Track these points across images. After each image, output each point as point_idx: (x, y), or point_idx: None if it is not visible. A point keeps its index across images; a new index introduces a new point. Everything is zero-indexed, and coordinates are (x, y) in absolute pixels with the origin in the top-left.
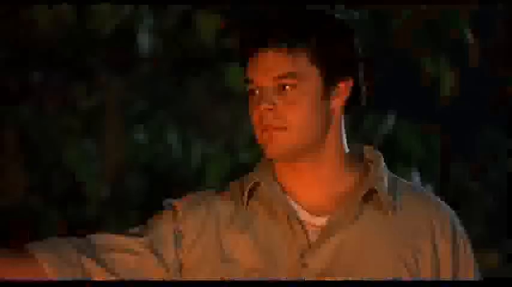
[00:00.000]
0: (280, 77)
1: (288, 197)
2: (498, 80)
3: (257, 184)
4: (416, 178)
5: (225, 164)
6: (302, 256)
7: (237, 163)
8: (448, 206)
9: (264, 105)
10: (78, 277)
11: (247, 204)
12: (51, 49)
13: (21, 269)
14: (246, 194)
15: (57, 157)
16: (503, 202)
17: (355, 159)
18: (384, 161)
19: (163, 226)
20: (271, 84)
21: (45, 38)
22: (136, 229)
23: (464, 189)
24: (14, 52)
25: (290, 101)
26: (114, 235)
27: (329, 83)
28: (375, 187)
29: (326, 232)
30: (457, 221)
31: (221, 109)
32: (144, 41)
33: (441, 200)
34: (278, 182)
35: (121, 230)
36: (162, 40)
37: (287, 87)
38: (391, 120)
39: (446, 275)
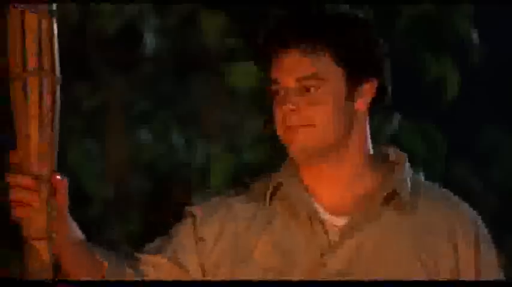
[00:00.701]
0: (304, 78)
1: (310, 197)
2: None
3: (280, 184)
4: (420, 178)
5: (228, 164)
6: (321, 256)
7: (240, 163)
8: (471, 209)
9: (288, 106)
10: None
11: (270, 204)
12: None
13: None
14: (268, 193)
15: (59, 157)
16: (506, 202)
17: (379, 160)
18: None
19: (184, 235)
20: (295, 85)
21: None
22: (159, 242)
23: (466, 188)
24: None
25: (314, 101)
26: (140, 255)
27: (353, 83)
28: (396, 189)
29: (346, 233)
30: (480, 224)
31: (224, 109)
32: (147, 40)
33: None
34: (301, 183)
35: (123, 230)
36: (165, 40)
37: (311, 88)
38: (395, 120)
39: (468, 278)
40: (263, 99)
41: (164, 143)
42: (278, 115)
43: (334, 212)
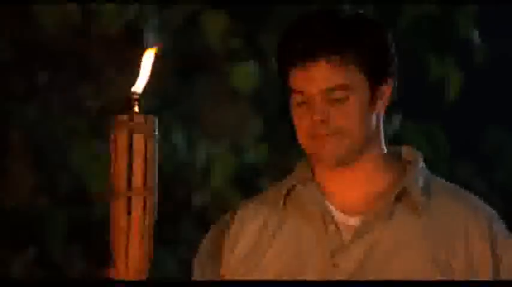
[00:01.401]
0: (332, 89)
1: (323, 196)
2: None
3: (294, 185)
4: None
5: (230, 164)
6: (333, 256)
7: (242, 163)
8: (488, 207)
9: (317, 117)
10: None
11: (284, 204)
12: (57, 49)
13: None
14: (282, 196)
15: (63, 157)
16: (510, 202)
17: (393, 159)
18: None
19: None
20: (321, 95)
21: (51, 38)
22: (204, 258)
23: (470, 189)
24: (19, 52)
25: (343, 111)
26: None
27: (375, 88)
28: (407, 188)
29: (358, 232)
30: (496, 221)
31: (227, 109)
32: (150, 40)
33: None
34: (315, 183)
35: None
36: (169, 40)
37: (340, 99)
38: (397, 121)
39: (485, 277)
40: (265, 99)
41: (166, 144)
42: (304, 125)
43: (347, 212)
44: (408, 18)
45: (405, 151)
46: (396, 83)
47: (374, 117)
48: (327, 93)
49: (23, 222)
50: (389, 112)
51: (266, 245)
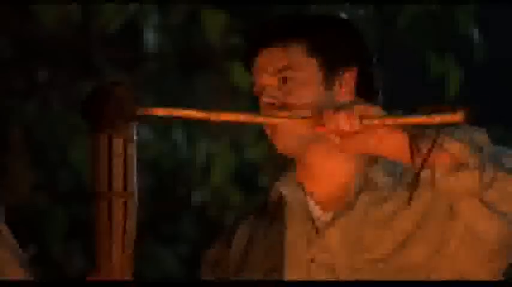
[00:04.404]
0: (278, 71)
1: (305, 195)
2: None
3: (279, 188)
4: None
5: (230, 162)
6: (309, 251)
7: (242, 161)
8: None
9: (265, 100)
10: None
11: (270, 209)
12: (57, 47)
13: None
14: (269, 199)
15: (63, 155)
16: None
17: None
18: None
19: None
20: (272, 82)
21: (51, 36)
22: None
23: None
24: (20, 50)
25: (289, 92)
26: None
27: (330, 72)
28: (372, 176)
29: (330, 226)
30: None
31: (227, 107)
32: (150, 39)
33: None
34: (297, 182)
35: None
36: (168, 38)
37: (288, 81)
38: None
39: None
40: None
41: (166, 141)
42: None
43: (325, 208)
44: (408, 16)
45: None
46: (373, 74)
47: (333, 101)
48: (274, 78)
49: (23, 219)
50: (388, 109)
51: (252, 250)
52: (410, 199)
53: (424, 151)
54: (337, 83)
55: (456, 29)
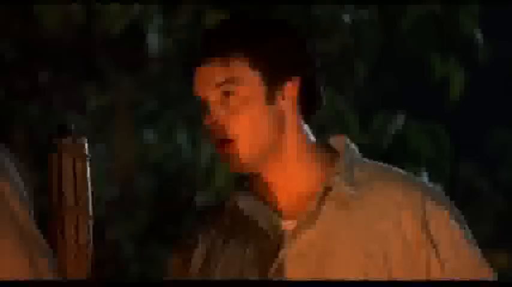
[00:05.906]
0: (218, 85)
1: (263, 206)
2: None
3: (234, 200)
4: (424, 177)
5: None
6: (272, 265)
7: None
8: (424, 183)
9: (208, 118)
10: None
11: (227, 223)
12: (60, 49)
13: None
14: (225, 212)
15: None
16: None
17: (322, 152)
18: (389, 159)
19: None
20: (214, 97)
21: (54, 38)
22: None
23: (473, 189)
24: (22, 52)
25: (233, 110)
26: None
27: (272, 85)
28: (330, 184)
29: (292, 236)
30: (429, 200)
31: None
32: (154, 40)
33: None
34: (253, 194)
35: (129, 230)
36: (172, 40)
37: (230, 96)
38: (400, 120)
39: (423, 259)
40: None
41: (170, 143)
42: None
43: (286, 217)
44: (412, 18)
45: (334, 141)
46: (317, 83)
47: (280, 115)
48: (216, 92)
49: None
50: (392, 111)
51: (212, 266)
52: None
53: None
54: (278, 93)
55: (459, 31)
